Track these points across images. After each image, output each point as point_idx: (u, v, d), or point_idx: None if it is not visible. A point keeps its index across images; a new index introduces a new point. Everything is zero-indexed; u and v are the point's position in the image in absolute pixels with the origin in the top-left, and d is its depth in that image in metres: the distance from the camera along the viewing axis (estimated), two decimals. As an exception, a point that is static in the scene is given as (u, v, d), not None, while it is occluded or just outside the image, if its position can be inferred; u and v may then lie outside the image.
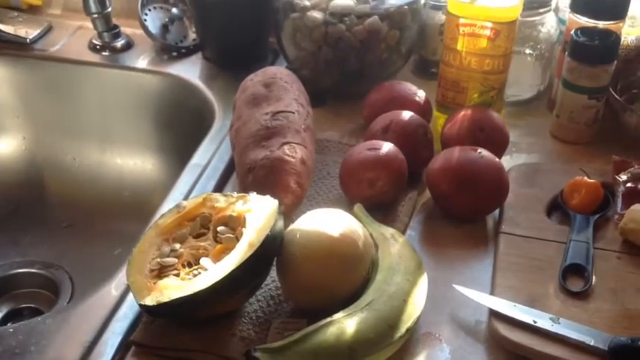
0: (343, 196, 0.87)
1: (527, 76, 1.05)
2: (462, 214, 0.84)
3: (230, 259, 0.65)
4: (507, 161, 0.95)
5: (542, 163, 0.94)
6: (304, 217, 0.71)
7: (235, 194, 0.73)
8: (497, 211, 0.85)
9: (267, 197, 0.71)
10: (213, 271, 0.64)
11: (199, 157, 0.95)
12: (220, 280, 0.63)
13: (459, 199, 0.82)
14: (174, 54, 1.20)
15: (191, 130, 1.07)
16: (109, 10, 1.20)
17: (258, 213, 0.69)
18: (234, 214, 0.71)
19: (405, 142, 0.87)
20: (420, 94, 0.97)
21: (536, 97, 1.08)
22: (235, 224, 0.70)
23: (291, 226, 0.70)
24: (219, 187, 0.90)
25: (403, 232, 0.83)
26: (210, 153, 0.95)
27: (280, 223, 0.69)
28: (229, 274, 0.63)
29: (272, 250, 0.68)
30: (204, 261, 0.67)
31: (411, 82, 1.07)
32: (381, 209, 0.85)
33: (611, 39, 0.92)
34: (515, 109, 1.06)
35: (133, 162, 1.21)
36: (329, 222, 0.69)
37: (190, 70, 1.16)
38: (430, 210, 0.88)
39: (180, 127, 1.14)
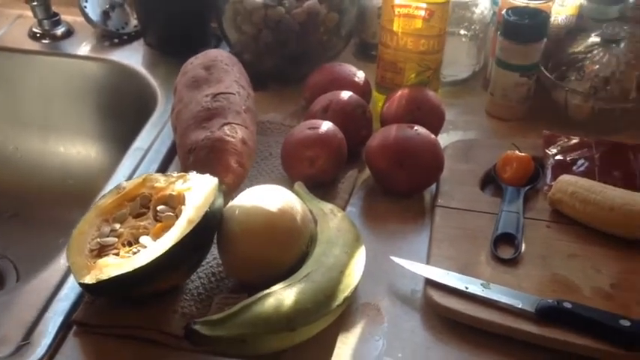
0: (285, 176, 0.88)
1: (462, 56, 1.08)
2: (399, 190, 0.87)
3: (169, 235, 0.66)
4: (444, 138, 0.98)
5: (477, 140, 0.97)
6: (243, 193, 0.73)
7: (175, 174, 0.75)
8: (434, 186, 0.88)
9: (207, 176, 0.73)
10: (152, 248, 0.65)
11: (141, 141, 0.96)
12: (159, 256, 0.64)
13: (396, 175, 0.85)
14: (116, 41, 1.20)
15: (134, 116, 1.07)
16: (49, -3, 1.19)
17: (197, 191, 0.70)
18: (174, 193, 0.72)
19: (345, 122, 0.89)
20: (360, 75, 0.99)
21: (472, 77, 1.11)
22: (175, 203, 0.71)
23: (231, 203, 0.72)
24: (162, 170, 0.91)
25: (343, 208, 0.85)
26: (153, 137, 0.96)
27: (220, 201, 0.70)
28: (168, 250, 0.64)
29: (211, 226, 0.69)
30: (144, 239, 0.68)
31: (353, 64, 1.09)
32: (322, 187, 0.87)
33: (540, 17, 0.95)
34: (452, 89, 1.09)
35: (77, 150, 1.21)
36: (267, 198, 0.71)
37: (132, 57, 1.16)
38: (370, 187, 0.90)
39: (123, 113, 1.14)
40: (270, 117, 1.01)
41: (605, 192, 0.78)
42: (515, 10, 0.96)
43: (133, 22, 1.22)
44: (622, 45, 0.96)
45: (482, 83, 1.09)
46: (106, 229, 0.70)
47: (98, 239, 0.69)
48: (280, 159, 0.88)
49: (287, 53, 1.04)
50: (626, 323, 0.65)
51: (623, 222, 0.76)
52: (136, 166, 0.90)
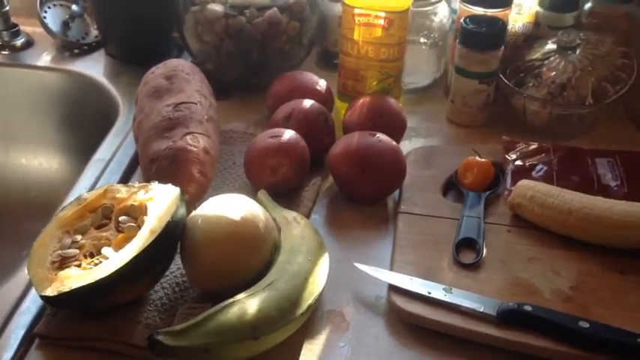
0: (249, 185, 0.88)
1: (423, 64, 1.09)
2: (363, 197, 0.87)
3: (131, 246, 0.65)
4: (406, 145, 0.99)
5: (438, 146, 0.99)
6: (206, 202, 0.73)
7: (137, 184, 0.74)
8: (397, 193, 0.89)
9: (169, 186, 0.72)
10: (114, 259, 0.65)
11: (103, 151, 0.95)
12: (121, 267, 0.64)
13: (359, 182, 0.86)
14: (76, 51, 1.19)
15: (96, 127, 1.07)
16: (7, 8, 1.18)
17: (159, 201, 0.70)
18: (136, 203, 0.71)
19: (307, 130, 0.90)
20: (322, 84, 1.00)
21: (433, 85, 1.13)
22: (137, 213, 0.71)
23: (193, 212, 0.72)
24: (124, 181, 0.90)
25: (307, 216, 0.85)
26: (115, 147, 0.96)
27: (182, 210, 0.70)
28: (130, 260, 0.64)
29: (174, 236, 0.69)
30: (106, 250, 0.67)
31: (315, 73, 1.10)
32: (286, 195, 0.87)
33: (497, 26, 0.97)
34: (413, 97, 1.11)
35: (38, 161, 1.19)
36: (230, 206, 0.71)
37: (93, 67, 1.16)
38: (333, 194, 0.90)
39: (85, 124, 1.13)
40: (233, 126, 1.01)
41: (563, 196, 0.80)
42: (473, 18, 0.98)
43: (94, 32, 1.21)
44: (577, 52, 0.98)
45: (443, 90, 1.11)
46: (68, 240, 0.70)
47: (59, 251, 0.68)
48: (243, 168, 0.88)
49: (249, 62, 1.04)
50: (585, 325, 0.67)
51: (581, 225, 0.78)
52: (98, 177, 0.90)
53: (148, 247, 0.65)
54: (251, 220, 0.70)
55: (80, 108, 1.13)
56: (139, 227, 0.68)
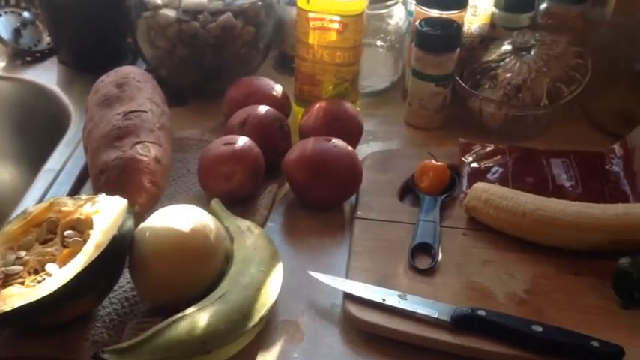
0: (204, 193, 0.87)
1: (380, 67, 1.09)
2: (318, 203, 0.86)
3: (76, 262, 0.64)
4: (364, 149, 0.99)
5: (395, 150, 0.98)
6: (155, 214, 0.71)
7: (84, 197, 0.72)
8: (354, 198, 0.88)
9: (116, 197, 0.71)
10: (58, 276, 0.63)
11: (53, 162, 0.93)
12: (64, 284, 0.62)
13: (314, 188, 0.85)
14: (29, 59, 1.17)
15: (48, 137, 1.04)
16: (-44, 15, 1.15)
17: (106, 214, 0.68)
18: (82, 217, 0.70)
19: (262, 136, 0.88)
20: (277, 89, 0.98)
21: (391, 88, 1.12)
22: (83, 227, 0.69)
23: (141, 225, 0.70)
24: (74, 192, 0.88)
25: (263, 224, 0.84)
26: (65, 157, 0.93)
27: (129, 223, 0.69)
28: (74, 277, 0.62)
29: (121, 250, 0.67)
30: (50, 266, 0.66)
31: (273, 77, 1.09)
32: (241, 203, 0.86)
33: (452, 28, 0.97)
34: (371, 100, 1.10)
35: (-10, 172, 1.17)
36: (179, 218, 0.69)
37: (45, 75, 1.13)
38: (290, 201, 0.89)
39: (37, 133, 1.11)
40: (188, 133, 0.99)
41: (517, 198, 0.80)
42: (428, 20, 0.97)
43: (47, 39, 1.18)
44: (532, 52, 0.99)
45: (401, 93, 1.10)
46: (12, 256, 0.68)
47: (2, 268, 0.66)
48: (197, 176, 0.86)
49: (204, 68, 1.03)
50: (539, 328, 0.66)
51: (535, 227, 0.78)
52: (47, 188, 0.88)
53: (92, 262, 0.63)
54: (201, 231, 0.68)
55: (32, 117, 1.11)
56: (85, 242, 0.67)
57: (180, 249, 0.67)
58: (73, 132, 0.99)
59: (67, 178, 0.90)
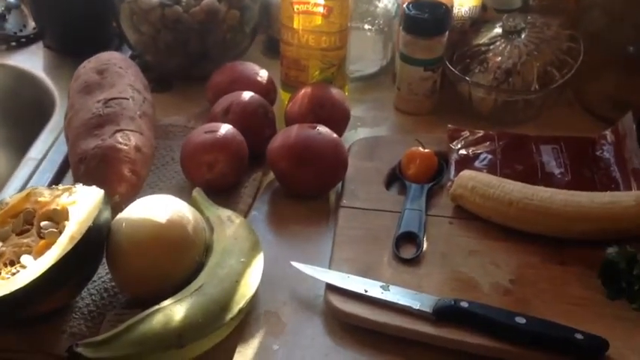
0: (187, 182, 0.86)
1: (368, 51, 1.07)
2: (303, 191, 0.85)
3: (50, 254, 0.63)
4: (352, 135, 0.97)
5: (383, 136, 0.96)
6: (132, 205, 0.70)
7: (61, 187, 0.71)
8: (340, 186, 0.87)
9: (93, 188, 0.70)
10: (31, 268, 0.62)
11: (36, 150, 0.92)
12: (39, 276, 0.61)
13: (298, 176, 0.83)
14: (14, 44, 1.15)
15: (33, 123, 1.03)
16: (-60, 0, 1.13)
17: (82, 205, 0.67)
18: (59, 207, 0.69)
19: (247, 123, 0.87)
20: (263, 74, 0.97)
21: (381, 72, 1.10)
22: (59, 218, 0.68)
23: (118, 216, 0.69)
24: (56, 181, 0.87)
25: (247, 212, 0.83)
26: (48, 145, 0.92)
27: (106, 214, 0.68)
28: (48, 269, 0.61)
29: (97, 241, 0.66)
30: (25, 258, 0.65)
31: (261, 62, 1.07)
32: (225, 192, 0.84)
33: (441, 11, 0.94)
34: (361, 84, 1.08)
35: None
36: (156, 208, 0.68)
37: (31, 60, 1.12)
38: (275, 189, 0.88)
39: (22, 120, 1.09)
40: (173, 120, 0.98)
41: (504, 186, 0.78)
42: (416, 3, 0.95)
43: (32, 24, 1.17)
44: (523, 36, 0.96)
45: (392, 78, 1.08)
46: (-13, 248, 0.67)
47: (-22, 260, 0.65)
48: (180, 164, 0.85)
49: (189, 53, 1.01)
50: (522, 320, 0.65)
51: (522, 216, 0.77)
52: (29, 177, 0.87)
53: (66, 254, 0.62)
54: (178, 222, 0.67)
55: (17, 103, 1.09)
56: (61, 233, 0.66)
57: (157, 241, 0.66)
58: (57, 119, 0.97)
59: (49, 167, 0.89)
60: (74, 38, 1.11)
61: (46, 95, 1.05)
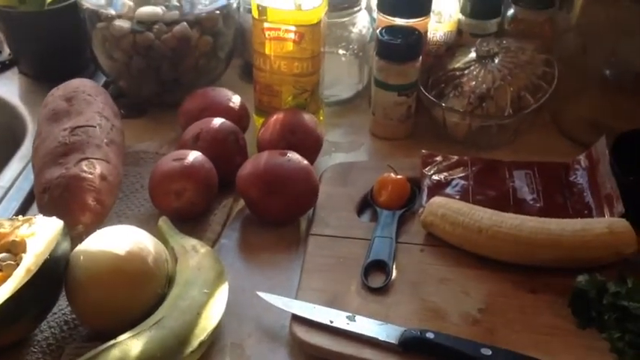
0: (156, 209, 0.84)
1: (344, 76, 1.06)
2: (273, 218, 0.84)
3: (5, 287, 0.61)
4: (326, 161, 0.96)
5: (356, 162, 0.95)
6: (91, 236, 0.69)
7: (21, 218, 0.70)
8: (311, 213, 0.86)
9: (53, 219, 0.68)
10: (-15, 303, 0.61)
11: (5, 178, 0.91)
12: (-8, 311, 0.60)
13: (268, 204, 0.82)
14: (-12, 70, 1.14)
15: (4, 151, 1.02)
16: None
17: (41, 236, 0.66)
18: (17, 239, 0.67)
19: (217, 150, 0.86)
20: (235, 100, 0.96)
21: (358, 96, 1.09)
22: (18, 250, 0.67)
23: (77, 248, 0.68)
24: (23, 210, 0.86)
25: (215, 240, 0.82)
26: (17, 173, 0.91)
27: (64, 245, 0.66)
28: (3, 303, 0.60)
29: (55, 274, 0.65)
30: (-20, 292, 0.63)
31: (238, 86, 1.07)
32: (194, 220, 0.83)
33: (413, 36, 0.94)
34: (337, 109, 1.08)
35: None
36: (115, 240, 0.67)
37: (5, 86, 1.12)
38: (246, 216, 0.87)
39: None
40: (145, 146, 0.97)
41: (474, 213, 0.77)
42: (389, 29, 0.95)
43: (7, 50, 1.16)
44: (497, 60, 0.96)
45: (368, 102, 1.07)
46: (-56, 281, 0.65)
47: None
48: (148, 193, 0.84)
49: (162, 79, 1.00)
50: (488, 352, 0.64)
51: (492, 244, 0.75)
52: (-5, 206, 0.85)
53: (21, 288, 0.61)
54: (137, 254, 0.66)
55: (-10, 130, 1.09)
56: (18, 265, 0.64)
57: (115, 273, 0.65)
58: (27, 146, 0.96)
59: (16, 195, 0.87)
60: (49, 65, 1.11)
61: (18, 122, 1.04)
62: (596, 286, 0.70)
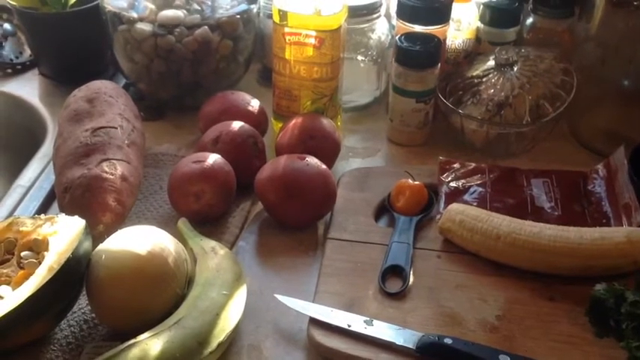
0: (174, 211, 0.85)
1: (362, 82, 1.06)
2: (291, 222, 0.84)
3: (27, 285, 0.62)
4: (344, 166, 0.97)
5: (374, 168, 0.96)
6: (113, 236, 0.69)
7: (44, 216, 0.71)
8: (329, 217, 0.86)
9: (75, 218, 0.69)
10: (8, 300, 0.61)
11: (25, 177, 0.91)
12: (15, 308, 0.60)
13: (286, 208, 0.83)
14: (9, 71, 1.15)
15: (24, 150, 1.03)
16: (-63, 27, 1.14)
17: (63, 235, 0.67)
18: (40, 237, 0.68)
19: (236, 153, 0.87)
20: (254, 104, 0.97)
21: (375, 102, 1.10)
22: (40, 248, 0.67)
23: (99, 247, 0.68)
24: (44, 209, 0.87)
25: (233, 243, 0.82)
26: (37, 173, 0.92)
27: (86, 245, 0.67)
28: (25, 301, 0.61)
29: (76, 272, 0.66)
30: (3, 289, 0.64)
31: (256, 90, 1.08)
32: (212, 222, 0.84)
33: (432, 43, 0.94)
34: (355, 115, 1.08)
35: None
36: (136, 240, 0.67)
37: (26, 87, 1.13)
38: (263, 219, 0.87)
39: (15, 147, 1.09)
40: (164, 148, 0.98)
41: (492, 220, 0.77)
42: (408, 36, 0.95)
43: (28, 51, 1.17)
44: (515, 69, 0.96)
45: (385, 108, 1.08)
46: (-32, 279, 0.66)
47: (-41, 290, 0.65)
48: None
49: (182, 82, 1.01)
50: (506, 359, 0.64)
51: (510, 251, 0.75)
52: (16, 204, 0.86)
53: (43, 286, 0.62)
54: (158, 255, 0.67)
55: (11, 130, 1.09)
56: (40, 263, 0.65)
57: (136, 273, 0.65)
58: (48, 147, 0.97)
59: (37, 195, 0.88)
60: (69, 66, 1.12)
61: (38, 123, 1.05)
62: (614, 295, 0.69)
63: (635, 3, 0.91)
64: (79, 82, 0.95)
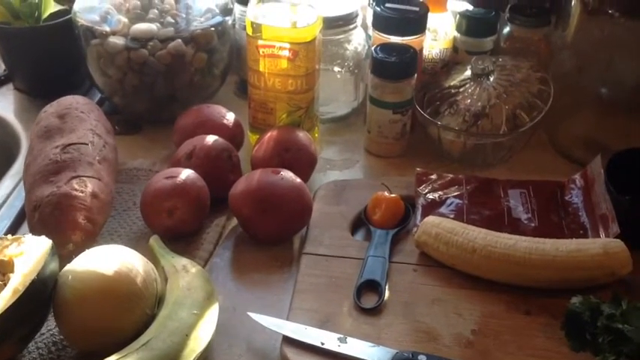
0: (148, 228, 0.84)
1: (339, 93, 1.06)
2: (265, 237, 0.83)
3: (-9, 308, 0.61)
4: (321, 178, 0.96)
5: (350, 180, 0.95)
6: (80, 256, 0.68)
7: (10, 237, 0.69)
8: (305, 231, 0.85)
9: (42, 238, 0.68)
10: (-29, 324, 0.60)
11: (-4, 195, 0.90)
12: (-23, 332, 0.59)
13: (261, 223, 0.82)
14: (-17, 86, 1.14)
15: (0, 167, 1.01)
16: None
17: (29, 256, 0.65)
18: (6, 258, 0.67)
19: (210, 168, 0.86)
20: (229, 117, 0.96)
21: (353, 113, 1.09)
22: (6, 269, 0.66)
23: (65, 268, 0.67)
24: (14, 228, 0.85)
25: (207, 259, 0.81)
26: (9, 191, 0.90)
27: (53, 265, 0.66)
28: (-13, 325, 0.59)
29: (42, 294, 0.64)
30: (-33, 312, 0.62)
31: (234, 103, 1.07)
32: (186, 238, 0.83)
33: (408, 54, 0.94)
34: (332, 126, 1.07)
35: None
36: (104, 260, 0.66)
37: (0, 102, 1.11)
38: (238, 235, 0.86)
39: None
40: (138, 163, 0.96)
41: (468, 233, 0.77)
42: (383, 47, 0.95)
43: (2, 66, 1.16)
44: (492, 78, 0.96)
45: (363, 119, 1.07)
46: None
47: None
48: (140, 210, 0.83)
49: (156, 96, 1.00)
50: (480, 375, 0.63)
51: (485, 264, 0.75)
52: (-14, 223, 0.85)
53: (8, 308, 0.60)
54: (126, 275, 0.65)
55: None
56: (5, 285, 0.64)
57: (103, 294, 0.64)
58: (20, 163, 0.95)
59: (7, 213, 0.87)
60: (44, 81, 1.10)
61: (13, 138, 1.03)
62: (590, 308, 0.69)
63: (610, 11, 0.90)
64: (54, 96, 0.94)
